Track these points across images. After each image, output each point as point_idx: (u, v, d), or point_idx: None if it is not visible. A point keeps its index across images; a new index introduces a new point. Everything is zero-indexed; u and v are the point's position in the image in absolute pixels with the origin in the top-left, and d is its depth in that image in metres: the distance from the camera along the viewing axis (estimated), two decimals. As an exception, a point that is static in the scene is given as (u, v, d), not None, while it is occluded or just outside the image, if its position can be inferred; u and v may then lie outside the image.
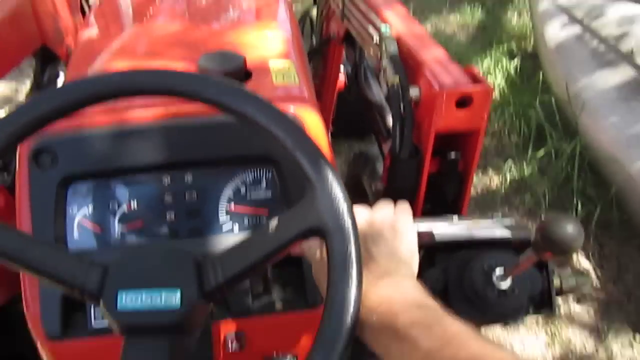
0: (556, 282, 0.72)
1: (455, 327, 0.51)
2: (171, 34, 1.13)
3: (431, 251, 0.72)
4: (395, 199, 0.95)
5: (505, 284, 0.66)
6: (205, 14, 1.24)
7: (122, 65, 0.98)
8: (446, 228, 0.75)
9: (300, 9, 2.00)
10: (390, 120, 1.26)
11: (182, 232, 0.80)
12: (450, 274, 0.70)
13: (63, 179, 0.77)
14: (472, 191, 2.17)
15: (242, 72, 0.89)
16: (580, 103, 2.32)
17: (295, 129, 0.57)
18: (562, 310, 1.87)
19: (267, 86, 0.91)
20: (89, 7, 1.53)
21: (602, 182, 2.20)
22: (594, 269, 1.99)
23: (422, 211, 0.96)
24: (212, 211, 0.81)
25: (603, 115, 2.23)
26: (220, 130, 0.80)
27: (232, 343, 0.77)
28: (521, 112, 2.61)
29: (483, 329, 0.93)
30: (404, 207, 0.68)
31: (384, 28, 1.01)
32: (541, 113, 2.51)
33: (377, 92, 1.51)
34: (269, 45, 1.08)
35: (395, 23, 1.05)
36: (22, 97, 2.49)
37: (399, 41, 0.99)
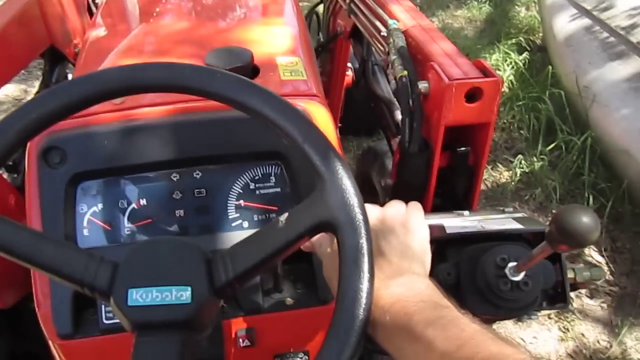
0: (570, 275, 0.71)
1: (471, 328, 0.50)
2: (178, 32, 1.13)
3: (443, 245, 0.71)
4: (405, 194, 0.94)
5: (518, 278, 0.65)
6: (212, 11, 1.24)
7: (129, 64, 0.98)
8: (457, 222, 0.74)
9: (307, 5, 2.00)
10: (398, 116, 1.25)
11: (192, 228, 0.80)
12: (462, 268, 0.69)
13: (72, 176, 0.77)
14: (482, 186, 2.16)
15: (249, 68, 0.89)
16: (591, 96, 2.30)
17: (305, 121, 0.57)
18: (574, 305, 1.85)
19: (275, 82, 0.91)
20: (96, 7, 1.54)
21: (614, 175, 2.18)
22: (607, 263, 1.97)
23: (432, 206, 0.95)
24: (221, 208, 0.80)
25: (614, 107, 2.21)
26: (229, 126, 0.79)
27: (242, 340, 0.76)
28: (531, 106, 2.59)
29: (495, 325, 0.92)
30: (416, 205, 0.67)
31: (391, 22, 1.00)
32: (551, 106, 2.49)
33: (385, 88, 1.50)
34: (277, 42, 1.07)
35: (402, 17, 1.05)
36: (31, 98, 2.50)
37: (406, 35, 0.98)
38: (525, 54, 2.97)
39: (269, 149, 0.80)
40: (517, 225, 0.72)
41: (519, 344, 1.57)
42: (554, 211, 2.17)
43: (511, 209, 0.80)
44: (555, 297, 0.71)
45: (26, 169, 0.79)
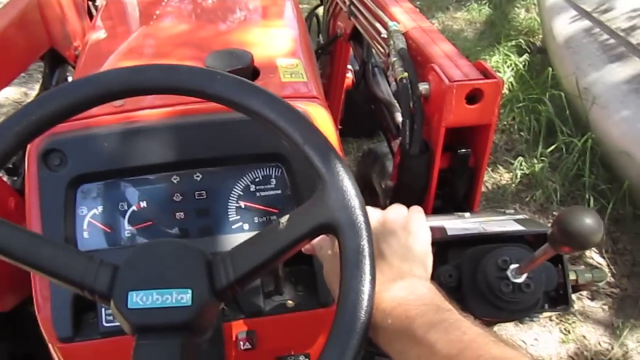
0: (572, 276, 0.71)
1: (473, 331, 0.49)
2: (178, 35, 1.13)
3: (444, 247, 0.71)
4: (405, 196, 0.94)
5: (520, 280, 0.65)
6: (212, 13, 1.24)
7: (129, 66, 0.98)
8: (458, 224, 0.74)
9: (307, 8, 2.00)
10: (399, 117, 1.25)
11: (192, 231, 0.79)
12: (464, 270, 0.69)
13: (72, 179, 0.77)
14: (483, 188, 2.16)
15: (250, 70, 0.88)
16: (591, 97, 2.30)
17: (305, 123, 0.57)
18: (575, 307, 1.85)
19: (276, 84, 0.91)
20: (96, 9, 1.54)
21: (614, 176, 2.18)
22: (608, 265, 1.97)
23: (433, 208, 0.95)
24: (221, 210, 0.80)
25: (614, 109, 2.21)
26: (229, 128, 0.79)
27: (243, 342, 0.76)
28: (531, 107, 2.59)
29: (496, 327, 0.92)
30: (417, 208, 0.67)
31: (391, 24, 1.00)
32: (551, 108, 2.49)
33: (386, 90, 1.50)
34: (277, 44, 1.07)
35: (402, 19, 1.04)
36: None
37: (407, 37, 0.98)
38: (525, 56, 2.97)
39: (269, 151, 0.80)
40: (518, 227, 0.72)
41: (520, 346, 1.57)
42: (554, 213, 2.17)
43: (512, 211, 0.80)
44: (557, 299, 0.71)
45: (26, 171, 0.79)
